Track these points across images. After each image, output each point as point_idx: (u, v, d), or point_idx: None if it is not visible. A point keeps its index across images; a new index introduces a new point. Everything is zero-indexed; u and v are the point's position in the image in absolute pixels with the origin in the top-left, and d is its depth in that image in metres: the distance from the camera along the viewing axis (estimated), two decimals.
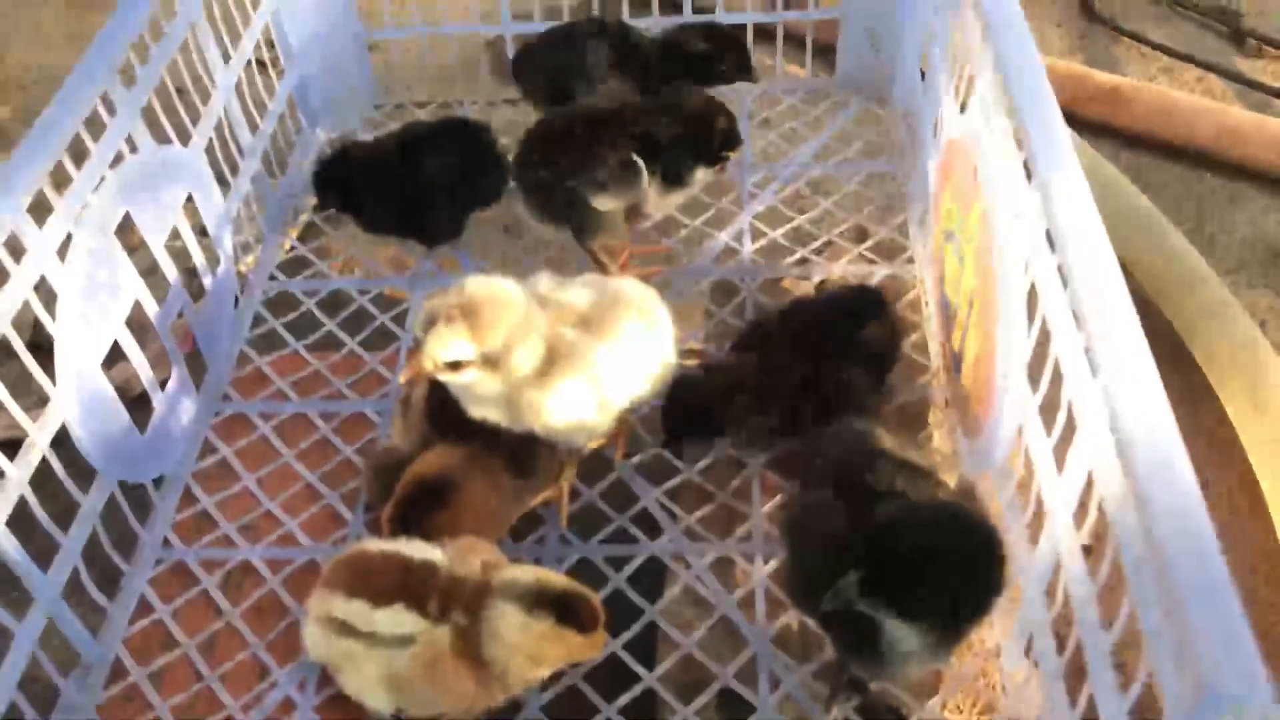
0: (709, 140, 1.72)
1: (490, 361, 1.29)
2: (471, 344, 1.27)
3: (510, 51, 2.20)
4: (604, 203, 1.70)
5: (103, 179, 1.45)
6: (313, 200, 1.98)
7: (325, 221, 2.05)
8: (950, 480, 1.44)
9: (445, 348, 1.27)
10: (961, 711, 1.36)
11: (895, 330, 1.58)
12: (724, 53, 1.98)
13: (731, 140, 1.73)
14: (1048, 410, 1.16)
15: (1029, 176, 1.19)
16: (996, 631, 1.35)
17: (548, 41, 2.05)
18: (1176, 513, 0.84)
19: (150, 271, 1.57)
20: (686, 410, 1.50)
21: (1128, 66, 2.75)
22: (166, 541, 1.54)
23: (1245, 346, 1.90)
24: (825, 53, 2.28)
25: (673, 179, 1.72)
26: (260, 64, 1.98)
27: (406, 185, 1.85)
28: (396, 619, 1.25)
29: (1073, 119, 2.50)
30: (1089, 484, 1.02)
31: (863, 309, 1.53)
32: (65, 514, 1.37)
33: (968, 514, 1.16)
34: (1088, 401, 1.01)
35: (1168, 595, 0.81)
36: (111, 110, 1.49)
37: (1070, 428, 1.07)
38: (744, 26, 2.13)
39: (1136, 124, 2.50)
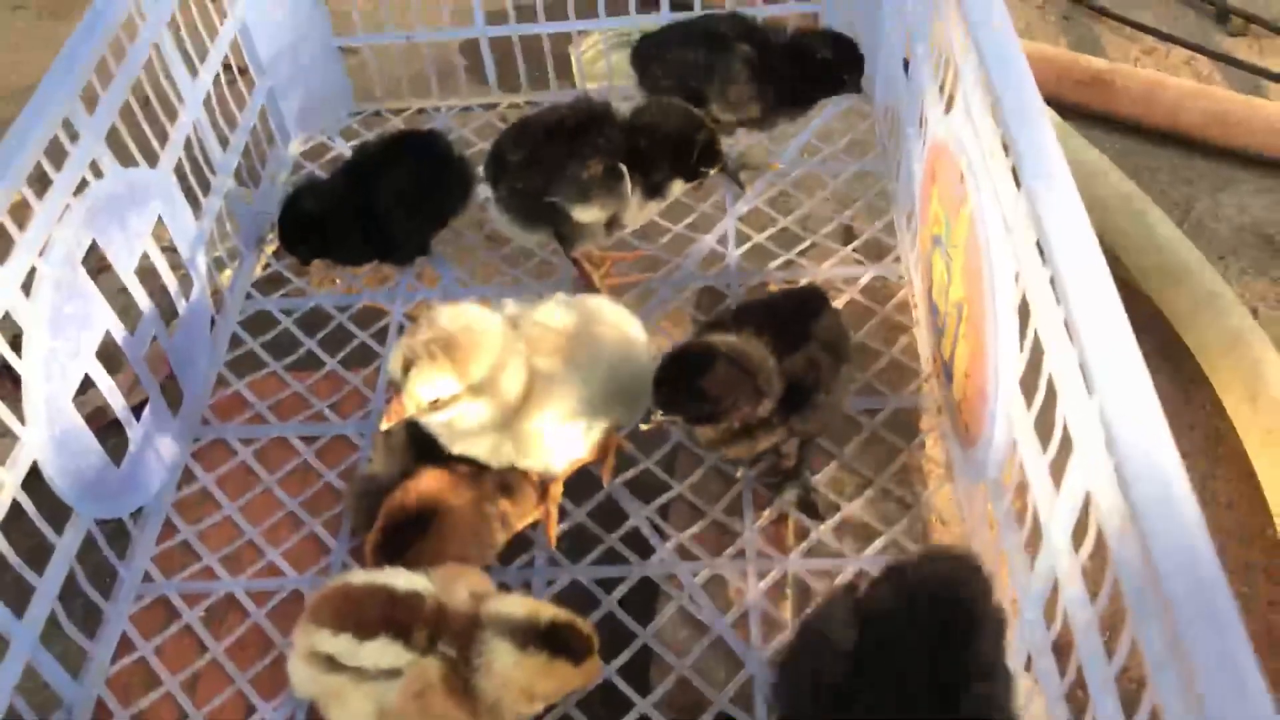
0: (689, 154, 1.67)
1: (475, 390, 1.26)
2: (454, 378, 1.24)
3: (486, 54, 2.16)
4: (586, 214, 1.66)
5: (67, 208, 1.41)
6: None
7: None
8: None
9: (430, 385, 1.24)
10: None
11: (841, 323, 1.52)
12: (846, 63, 1.89)
13: (711, 156, 1.68)
14: (1043, 424, 1.13)
15: (1018, 183, 1.16)
16: None
17: (683, 37, 1.92)
18: (1179, 545, 0.81)
19: (121, 292, 1.54)
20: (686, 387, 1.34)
21: (1111, 48, 2.72)
22: (147, 575, 1.51)
23: (1238, 337, 1.88)
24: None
25: (651, 190, 1.68)
26: (227, 68, 1.93)
27: (362, 214, 1.83)
28: (383, 652, 1.23)
29: (1059, 104, 2.48)
30: (1086, 504, 0.99)
31: (811, 303, 1.48)
32: (39, 551, 1.34)
33: None
34: (1083, 421, 0.98)
35: (1170, 630, 0.78)
36: (74, 136, 1.45)
37: (1066, 444, 1.04)
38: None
39: (1124, 109, 2.47)
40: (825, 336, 1.42)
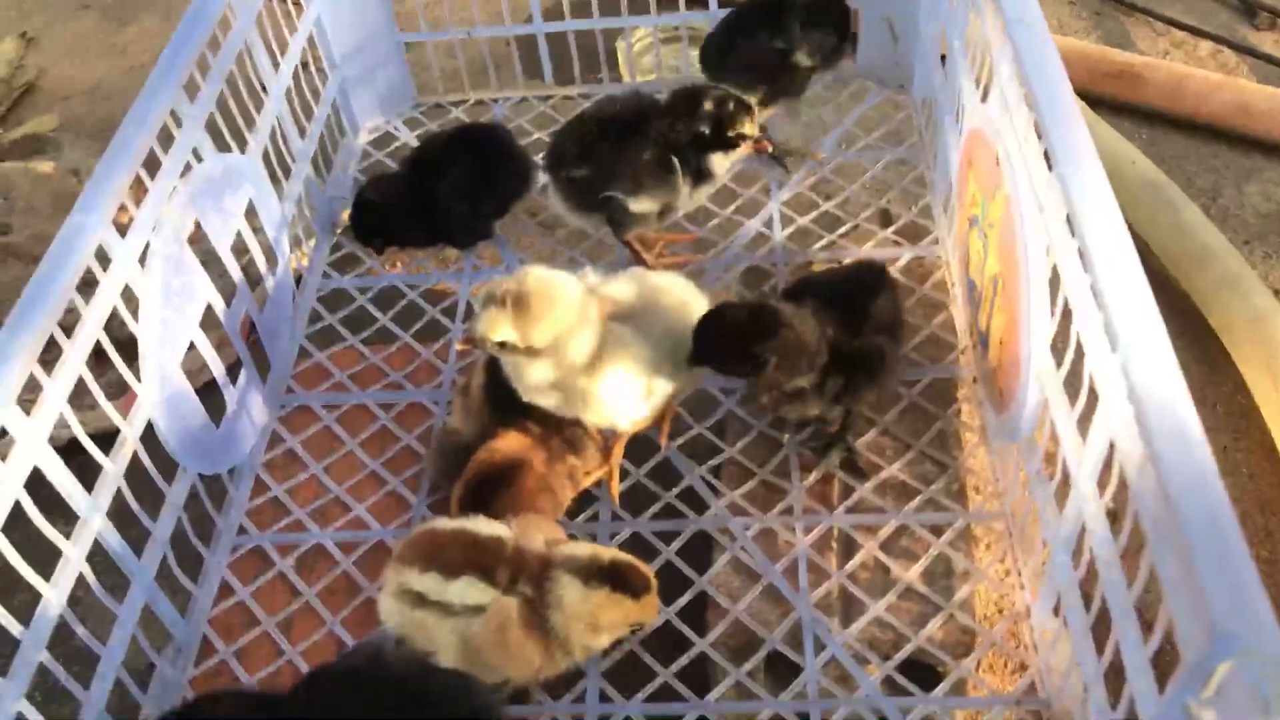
0: (717, 124, 1.75)
1: (533, 352, 1.39)
2: (514, 332, 1.37)
3: (543, 48, 2.29)
4: (640, 205, 1.78)
5: (174, 189, 1.54)
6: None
7: None
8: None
9: (491, 329, 1.37)
10: (995, 671, 1.45)
11: (899, 301, 1.62)
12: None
13: (731, 117, 1.76)
14: (1071, 385, 1.24)
15: (1050, 166, 1.27)
16: (1025, 594, 1.44)
17: (747, 23, 2.02)
18: (1189, 473, 0.92)
19: (210, 265, 1.67)
20: (723, 338, 1.45)
21: (1141, 42, 2.81)
22: (242, 529, 1.65)
23: (1262, 317, 1.97)
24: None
25: (697, 175, 1.79)
26: (305, 68, 2.07)
27: (428, 206, 1.98)
28: (468, 589, 1.35)
29: (1089, 96, 2.57)
30: (1110, 452, 1.10)
31: (871, 282, 1.58)
32: (151, 505, 1.47)
33: None
34: (1107, 375, 1.09)
35: (1182, 549, 0.89)
36: (179, 123, 1.59)
37: (1092, 401, 1.15)
38: None
39: (1152, 100, 2.56)
40: (884, 317, 1.54)
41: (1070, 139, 1.24)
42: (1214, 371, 2.05)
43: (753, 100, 1.87)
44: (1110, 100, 2.60)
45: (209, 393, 1.64)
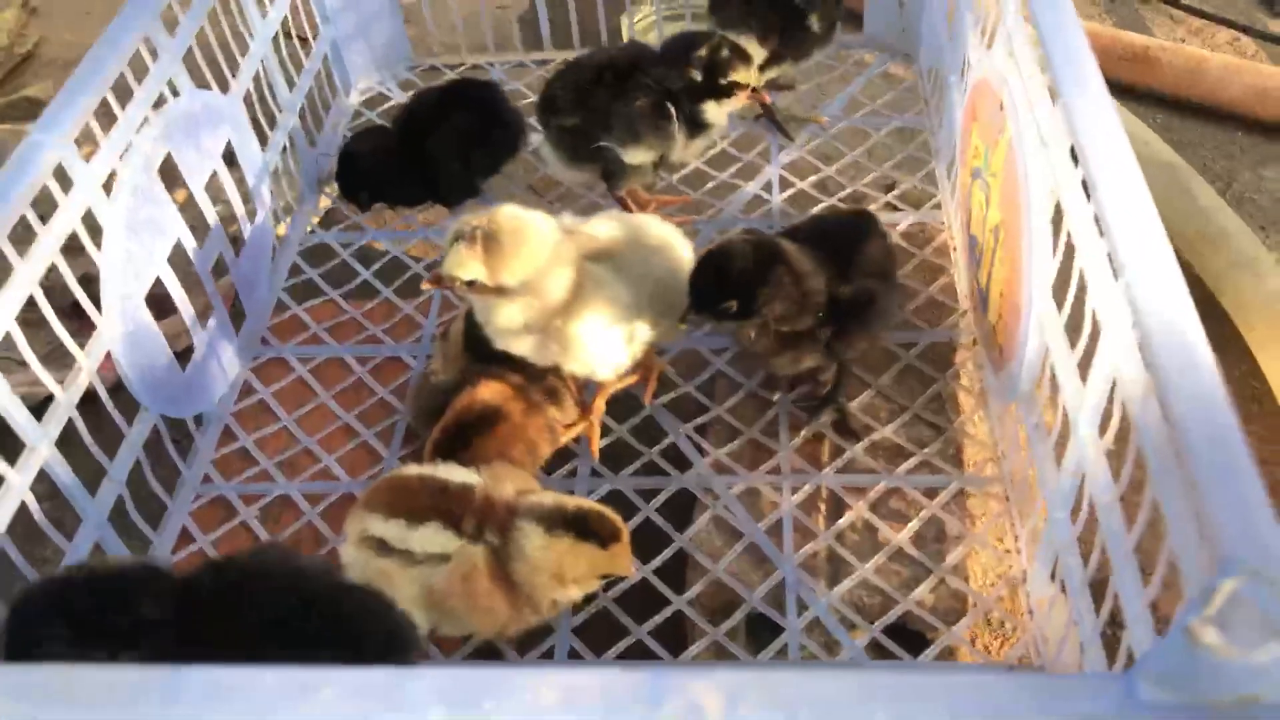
0: (709, 70, 1.69)
1: (502, 291, 1.32)
2: (483, 270, 1.30)
3: (542, 12, 2.23)
4: (635, 155, 1.72)
5: (146, 120, 1.49)
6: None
7: None
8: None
9: (460, 267, 1.30)
10: (989, 633, 1.37)
11: (890, 248, 1.55)
12: None
13: (725, 63, 1.69)
14: (1071, 332, 1.18)
15: (1054, 100, 1.20)
16: (1022, 559, 1.37)
17: None
18: (1196, 394, 0.85)
19: (188, 206, 1.61)
20: (719, 282, 1.37)
21: (1158, 29, 2.75)
22: (206, 477, 1.58)
23: (1275, 298, 1.90)
24: (851, 14, 2.29)
25: (692, 124, 1.73)
26: (290, 36, 2.02)
27: (416, 160, 1.91)
28: (432, 537, 1.28)
29: (1104, 81, 2.51)
30: (1112, 390, 1.03)
31: (861, 226, 1.51)
32: (110, 442, 1.41)
33: None
34: (1111, 306, 1.02)
35: (1186, 474, 0.82)
36: (154, 54, 1.53)
37: (1092, 348, 1.08)
38: None
39: (1167, 84, 2.49)
40: (874, 262, 1.47)
41: (1076, 66, 1.18)
42: (1226, 355, 1.98)
43: (761, 53, 1.82)
44: (1125, 85, 2.53)
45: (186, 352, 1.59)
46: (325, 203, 2.05)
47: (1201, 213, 2.10)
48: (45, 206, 1.29)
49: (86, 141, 1.35)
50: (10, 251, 1.22)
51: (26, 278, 1.25)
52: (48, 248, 1.29)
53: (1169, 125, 2.46)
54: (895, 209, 1.87)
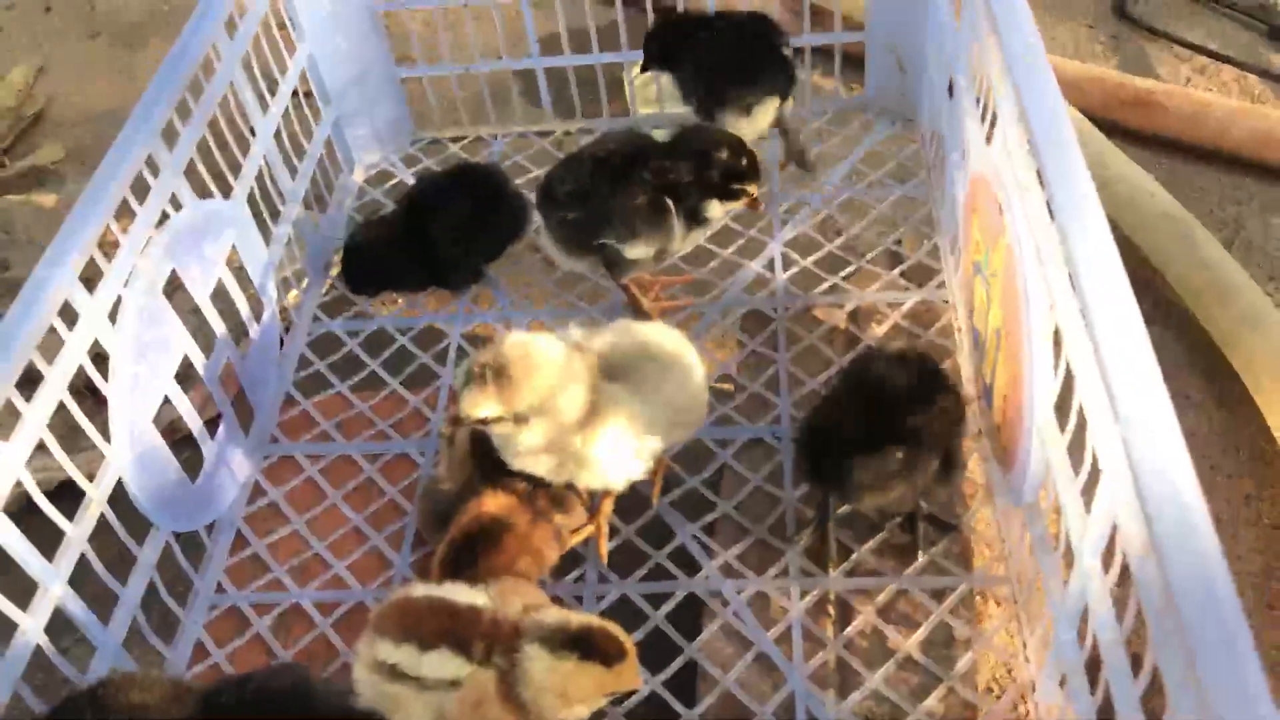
0: (717, 172, 1.72)
1: (520, 420, 1.33)
2: (499, 405, 1.32)
3: (542, 83, 2.24)
4: (635, 251, 1.73)
5: (149, 240, 1.50)
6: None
7: None
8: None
9: (475, 407, 1.32)
10: None
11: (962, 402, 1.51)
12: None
13: (737, 172, 1.72)
14: (1077, 449, 1.17)
15: (1051, 216, 1.20)
16: (1031, 666, 1.36)
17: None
18: (1194, 564, 0.85)
19: (194, 313, 1.63)
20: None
21: (1162, 67, 2.73)
22: (220, 586, 1.59)
23: None
24: (855, 65, 2.29)
25: (691, 217, 1.74)
26: (296, 96, 2.03)
27: (421, 248, 1.94)
28: (443, 663, 1.29)
29: (1107, 124, 2.49)
30: (1114, 531, 1.03)
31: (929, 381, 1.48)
32: (120, 562, 1.43)
33: None
34: (1110, 448, 1.02)
35: (1185, 652, 0.82)
36: (155, 171, 1.54)
37: (1096, 473, 1.08)
38: None
39: (1172, 128, 2.48)
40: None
41: (1071, 186, 1.17)
42: (1236, 414, 1.96)
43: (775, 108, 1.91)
44: (1129, 128, 2.51)
45: (187, 445, 1.60)
46: (328, 285, 2.06)
47: (1207, 264, 2.08)
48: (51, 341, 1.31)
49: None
50: (17, 398, 1.23)
51: (36, 421, 1.26)
52: (55, 387, 1.30)
53: (1174, 171, 2.44)
54: (901, 288, 1.86)
